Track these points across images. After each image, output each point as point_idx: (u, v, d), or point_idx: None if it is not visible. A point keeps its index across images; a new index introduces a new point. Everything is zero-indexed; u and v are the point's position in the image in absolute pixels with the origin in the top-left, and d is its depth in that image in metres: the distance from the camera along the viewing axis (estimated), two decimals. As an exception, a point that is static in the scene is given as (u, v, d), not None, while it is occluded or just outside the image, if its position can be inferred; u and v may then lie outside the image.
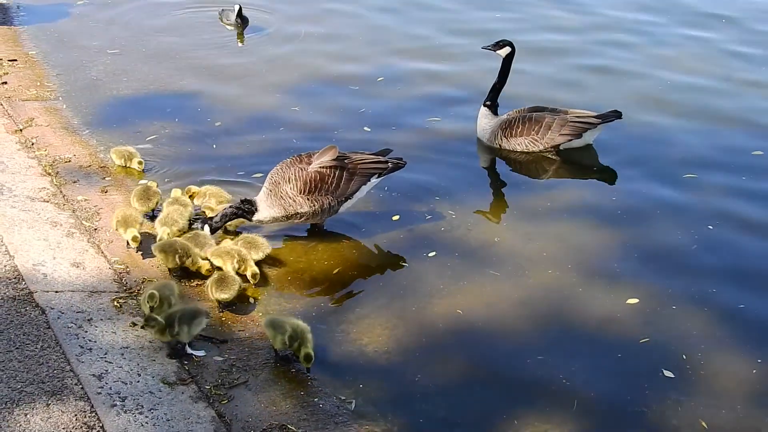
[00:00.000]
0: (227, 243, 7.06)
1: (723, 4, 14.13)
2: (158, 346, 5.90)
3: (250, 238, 7.09)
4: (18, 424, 5.00)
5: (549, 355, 6.12)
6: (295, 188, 7.23)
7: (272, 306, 6.62)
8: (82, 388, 5.34)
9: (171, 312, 5.91)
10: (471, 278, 6.99)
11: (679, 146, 9.34)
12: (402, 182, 8.26)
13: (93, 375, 5.48)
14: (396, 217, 7.85)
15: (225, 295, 6.44)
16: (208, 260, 6.87)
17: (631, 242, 7.54)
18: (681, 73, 11.32)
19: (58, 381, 5.37)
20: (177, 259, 6.73)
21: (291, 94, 10.57)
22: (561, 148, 9.08)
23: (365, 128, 9.66)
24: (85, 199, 7.80)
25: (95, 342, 5.82)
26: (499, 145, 9.20)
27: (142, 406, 5.28)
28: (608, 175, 8.86)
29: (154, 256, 6.87)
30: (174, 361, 5.80)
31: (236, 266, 6.73)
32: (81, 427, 5.04)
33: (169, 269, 6.84)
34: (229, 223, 7.37)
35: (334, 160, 7.33)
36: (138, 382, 5.51)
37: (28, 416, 5.07)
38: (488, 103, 9.29)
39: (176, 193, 7.68)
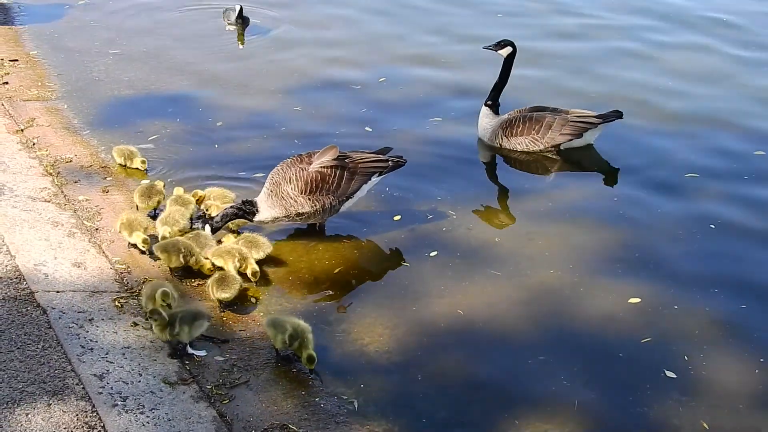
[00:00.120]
0: (228, 242, 7.06)
1: (722, 6, 14.12)
2: (159, 346, 5.91)
3: (251, 238, 7.09)
4: (19, 424, 5.00)
5: (550, 355, 6.11)
6: (296, 188, 7.23)
7: (273, 306, 6.62)
8: (83, 387, 5.34)
9: (173, 312, 5.91)
10: (472, 278, 6.99)
11: (680, 146, 9.33)
12: (403, 182, 8.26)
13: (94, 375, 5.48)
14: (397, 217, 7.85)
15: (226, 295, 6.44)
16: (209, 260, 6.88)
17: (633, 242, 7.53)
18: (681, 73, 11.32)
19: (60, 381, 5.37)
20: (181, 258, 6.74)
21: (292, 94, 10.57)
22: (562, 147, 9.08)
23: (367, 128, 9.66)
24: (87, 199, 7.80)
25: (96, 342, 5.82)
26: (500, 145, 9.20)
27: (143, 406, 5.28)
28: (609, 175, 8.86)
29: (155, 256, 6.87)
30: (175, 360, 5.80)
31: (237, 265, 6.74)
32: (82, 426, 5.04)
33: (171, 269, 6.84)
34: (230, 222, 7.37)
35: (334, 159, 7.32)
36: (139, 382, 5.51)
37: (29, 416, 5.07)
38: (489, 102, 9.29)
39: (179, 191, 7.69)
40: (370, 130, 9.63)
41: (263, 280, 6.87)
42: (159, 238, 7.03)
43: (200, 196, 7.75)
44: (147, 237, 6.97)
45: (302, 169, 7.28)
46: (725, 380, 5.90)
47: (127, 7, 13.74)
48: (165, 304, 5.98)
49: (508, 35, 9.54)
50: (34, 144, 8.83)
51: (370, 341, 6.24)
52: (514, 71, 9.31)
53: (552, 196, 8.40)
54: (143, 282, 6.62)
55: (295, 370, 5.88)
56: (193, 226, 7.32)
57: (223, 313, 6.45)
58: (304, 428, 5.32)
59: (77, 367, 5.52)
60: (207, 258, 6.89)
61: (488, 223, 7.97)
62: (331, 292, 6.85)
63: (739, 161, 8.96)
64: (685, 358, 6.08)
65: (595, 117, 9.01)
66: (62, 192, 7.87)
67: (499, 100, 9.31)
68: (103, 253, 6.97)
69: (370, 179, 7.50)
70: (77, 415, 5.12)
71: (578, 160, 9.10)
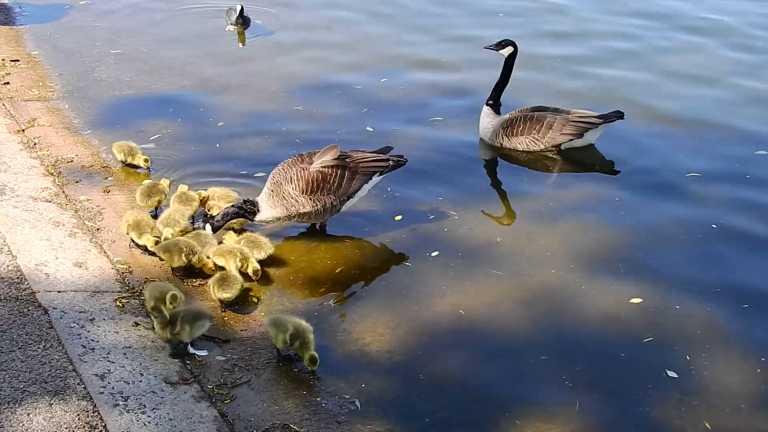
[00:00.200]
0: (230, 241, 7.06)
1: (722, 8, 14.12)
2: (161, 345, 5.90)
3: (253, 237, 7.09)
4: (21, 424, 5.00)
5: (551, 355, 6.11)
6: (297, 188, 7.23)
7: (275, 305, 6.62)
8: (84, 387, 5.34)
9: (175, 311, 5.91)
10: (473, 278, 6.98)
11: (681, 146, 9.33)
12: (404, 182, 8.26)
13: (95, 375, 5.48)
14: (399, 217, 7.85)
15: (227, 294, 6.44)
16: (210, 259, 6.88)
17: (634, 242, 7.53)
18: (682, 74, 11.31)
19: (61, 381, 5.37)
20: (183, 258, 6.74)
21: (293, 93, 10.57)
22: (562, 147, 9.07)
23: (368, 128, 9.66)
24: (88, 199, 7.80)
25: (98, 342, 5.82)
26: (501, 145, 9.19)
27: (145, 406, 5.28)
28: (610, 175, 8.85)
29: (156, 256, 6.87)
30: (176, 360, 5.80)
31: (239, 265, 6.74)
32: (83, 426, 5.04)
33: (173, 268, 6.84)
34: (231, 222, 7.36)
35: (335, 159, 7.32)
36: (140, 381, 5.51)
37: (30, 416, 5.07)
38: (491, 102, 9.29)
39: (183, 188, 7.69)
40: (371, 129, 9.63)
41: (264, 279, 6.87)
42: (162, 239, 7.03)
43: (204, 197, 7.75)
44: (157, 238, 6.96)
45: (303, 169, 7.28)
46: (727, 380, 5.89)
47: (128, 7, 13.75)
48: (172, 307, 5.98)
49: (508, 35, 9.54)
50: (35, 144, 8.83)
51: (372, 341, 6.23)
52: (514, 72, 9.30)
53: (553, 196, 8.40)
54: (145, 282, 6.62)
55: (296, 369, 5.88)
56: (194, 225, 7.32)
57: (224, 313, 6.45)
58: (306, 428, 5.32)
59: (78, 367, 5.51)
60: (208, 257, 6.89)
61: (489, 222, 7.96)
62: (332, 292, 6.84)
63: (741, 162, 8.94)
64: (687, 358, 6.07)
65: (596, 117, 9.00)
66: (63, 192, 7.87)
67: (500, 101, 9.31)
68: (105, 253, 6.97)
69: (371, 179, 7.49)
70: (78, 414, 5.12)
71: (579, 160, 9.10)
